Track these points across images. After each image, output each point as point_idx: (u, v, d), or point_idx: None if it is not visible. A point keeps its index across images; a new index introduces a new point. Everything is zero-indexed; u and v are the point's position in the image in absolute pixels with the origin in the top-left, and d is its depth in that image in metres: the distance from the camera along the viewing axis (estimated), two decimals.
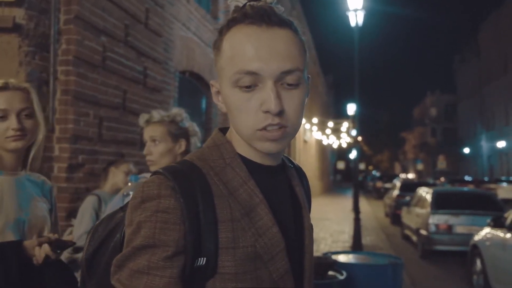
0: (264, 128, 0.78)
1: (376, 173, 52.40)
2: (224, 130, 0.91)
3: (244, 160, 0.85)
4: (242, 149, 0.86)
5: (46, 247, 1.42)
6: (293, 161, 1.02)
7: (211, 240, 0.76)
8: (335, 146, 31.05)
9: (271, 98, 0.76)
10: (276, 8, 0.82)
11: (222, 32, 0.83)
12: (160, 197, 0.75)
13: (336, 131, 25.23)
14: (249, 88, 0.78)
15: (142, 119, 1.99)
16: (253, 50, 0.77)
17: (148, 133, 1.95)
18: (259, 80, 0.78)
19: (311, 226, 0.94)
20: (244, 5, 0.82)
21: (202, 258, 0.75)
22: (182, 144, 1.97)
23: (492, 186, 14.20)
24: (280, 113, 0.78)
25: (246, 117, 0.79)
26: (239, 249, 0.77)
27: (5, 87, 1.51)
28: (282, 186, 0.89)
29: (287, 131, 0.80)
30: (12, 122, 1.50)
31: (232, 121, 0.84)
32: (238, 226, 0.78)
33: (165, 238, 0.73)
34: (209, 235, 0.76)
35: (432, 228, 8.14)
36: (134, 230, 0.75)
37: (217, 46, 0.84)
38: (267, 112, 0.77)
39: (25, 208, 1.52)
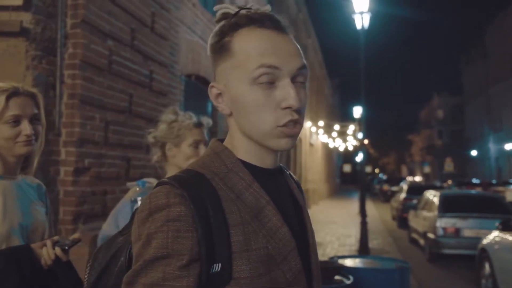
0: (285, 125, 0.80)
1: (382, 176, 52.16)
2: (220, 140, 0.92)
3: (245, 164, 0.86)
4: (243, 154, 0.86)
5: (57, 249, 1.44)
6: (286, 168, 1.04)
7: (224, 245, 0.75)
8: (341, 149, 30.97)
9: (292, 94, 0.79)
10: (280, 17, 0.86)
11: (224, 35, 0.84)
12: (170, 206, 0.74)
13: (342, 134, 25.18)
14: (269, 85, 0.80)
15: (190, 119, 1.96)
16: (272, 47, 0.81)
17: (199, 135, 1.95)
18: (277, 76, 0.80)
19: (312, 228, 0.96)
20: (237, 12, 0.84)
21: (217, 264, 0.74)
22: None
23: (500, 188, 14.06)
24: (298, 109, 0.81)
25: (265, 114, 0.80)
26: (253, 251, 0.77)
27: (17, 93, 1.51)
28: (282, 188, 0.91)
29: (301, 126, 0.84)
30: (25, 127, 1.50)
31: (244, 121, 0.83)
32: (249, 229, 0.78)
33: (179, 247, 0.72)
34: (222, 240, 0.75)
35: (440, 232, 8.08)
36: (144, 243, 0.73)
37: (223, 48, 0.84)
38: (287, 108, 0.80)
39: (26, 212, 1.53)
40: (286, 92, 0.80)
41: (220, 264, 0.74)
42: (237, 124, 0.86)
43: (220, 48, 0.84)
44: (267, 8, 0.87)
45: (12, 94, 1.50)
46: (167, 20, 5.18)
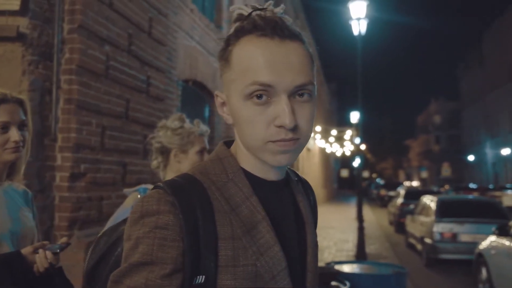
0: (276, 142, 0.77)
1: (379, 181, 52.21)
2: (229, 143, 0.89)
3: (248, 175, 0.83)
4: (247, 164, 0.84)
5: (48, 253, 1.43)
6: (299, 174, 1.00)
7: (210, 257, 0.74)
8: (338, 154, 30.99)
9: (286, 113, 0.75)
10: (286, 19, 0.80)
11: (229, 42, 0.81)
12: (159, 213, 0.73)
13: (340, 139, 25.20)
14: (262, 99, 0.76)
15: (198, 127, 1.99)
16: (267, 63, 0.76)
17: (204, 143, 1.99)
18: (272, 93, 0.76)
19: (316, 243, 0.91)
20: (250, 14, 0.79)
21: (201, 276, 0.73)
22: None
23: (497, 193, 14.09)
24: (294, 128, 0.76)
25: (256, 130, 0.77)
26: (240, 267, 0.75)
27: (5, 100, 1.52)
28: (285, 202, 0.87)
29: (300, 142, 0.79)
30: (14, 134, 1.51)
31: (240, 134, 0.81)
32: (239, 244, 0.76)
33: (164, 255, 0.71)
34: (209, 253, 0.74)
35: (437, 237, 8.09)
36: (132, 246, 0.73)
37: (225, 57, 0.81)
38: (280, 127, 0.75)
39: (15, 218, 1.53)
40: (281, 110, 0.75)
41: (204, 276, 0.73)
42: (237, 135, 0.84)
43: (223, 57, 0.82)
44: (279, 9, 0.81)
45: (1, 101, 1.51)
46: (164, 25, 5.19)
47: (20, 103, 1.57)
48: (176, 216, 0.73)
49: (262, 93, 0.76)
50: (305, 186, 0.99)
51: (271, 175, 0.84)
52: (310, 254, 0.88)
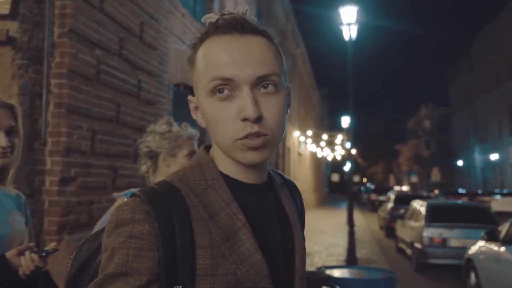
0: (244, 137, 0.75)
1: (370, 185, 52.45)
2: (209, 148, 0.88)
3: (227, 179, 0.81)
4: (225, 167, 0.82)
5: (34, 255, 1.41)
6: (284, 176, 0.98)
7: (187, 267, 0.72)
8: (329, 158, 31.11)
9: (248, 104, 0.73)
10: (249, 18, 0.80)
11: (195, 46, 0.82)
12: (134, 222, 0.71)
13: (331, 144, 25.31)
14: (223, 93, 0.75)
15: (186, 130, 1.98)
16: (227, 57, 0.75)
17: (192, 146, 1.99)
18: (234, 87, 0.75)
19: (304, 247, 0.89)
20: (217, 19, 0.80)
21: (178, 286, 0.71)
22: None
23: (486, 198, 14.23)
24: (259, 120, 0.74)
25: (224, 127, 0.76)
26: (219, 276, 0.73)
27: None
28: (269, 206, 0.85)
29: (268, 139, 0.76)
30: (1, 139, 1.50)
31: (212, 135, 0.80)
32: (217, 252, 0.74)
33: (139, 266, 0.70)
34: (186, 262, 0.72)
35: (426, 241, 8.14)
36: (108, 256, 0.72)
37: (191, 60, 0.82)
38: (245, 120, 0.74)
39: (4, 222, 1.52)
40: (243, 102, 0.74)
41: (181, 286, 0.71)
42: (211, 138, 0.83)
43: (191, 61, 0.83)
44: (242, 10, 0.82)
45: None
46: (156, 29, 5.19)
47: (10, 108, 1.56)
48: (151, 225, 0.71)
49: (223, 87, 0.75)
50: (291, 188, 0.97)
51: (251, 178, 0.82)
52: (298, 259, 0.86)
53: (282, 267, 0.82)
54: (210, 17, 0.82)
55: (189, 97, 0.86)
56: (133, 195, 0.76)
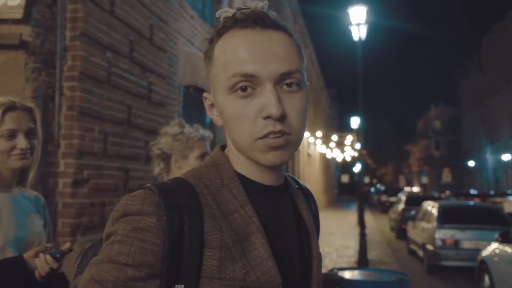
0: (265, 137, 0.71)
1: (380, 187, 52.13)
2: (225, 147, 0.85)
3: (244, 180, 0.77)
4: (241, 167, 0.78)
5: (48, 257, 1.42)
6: (299, 182, 0.94)
7: (193, 266, 0.68)
8: (339, 159, 30.98)
9: (272, 102, 0.69)
10: (269, 12, 0.77)
11: (212, 41, 0.78)
12: (143, 214, 0.68)
13: (340, 145, 25.19)
14: (246, 91, 0.71)
15: (198, 132, 1.99)
16: (249, 52, 0.71)
17: (204, 148, 1.99)
18: (256, 84, 0.71)
19: (320, 254, 0.85)
20: (234, 13, 0.77)
21: (180, 286, 0.68)
22: None
23: (498, 199, 14.05)
24: (282, 118, 0.71)
25: (244, 126, 0.72)
26: (226, 280, 0.69)
27: (13, 107, 1.54)
28: (286, 209, 0.81)
29: (290, 138, 0.72)
30: (21, 141, 1.53)
31: (229, 134, 0.76)
32: (227, 254, 0.70)
33: (141, 259, 0.66)
34: (192, 261, 0.68)
35: (439, 243, 8.06)
36: (109, 242, 0.69)
37: (208, 55, 0.79)
38: (267, 118, 0.70)
39: (22, 224, 1.53)
40: (266, 99, 0.70)
41: (183, 286, 0.68)
42: (228, 137, 0.79)
43: (207, 56, 0.79)
44: (261, 4, 0.78)
45: (9, 108, 1.52)
46: (165, 32, 5.21)
47: (29, 111, 1.58)
48: (159, 218, 0.68)
49: (245, 85, 0.71)
50: (306, 194, 0.94)
51: (268, 179, 0.79)
52: (316, 266, 0.82)
53: (298, 274, 0.78)
54: (226, 11, 0.78)
55: (205, 94, 0.83)
56: (144, 187, 0.73)
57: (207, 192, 0.74)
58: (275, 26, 0.75)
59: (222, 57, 0.75)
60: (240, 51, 0.72)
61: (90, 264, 0.71)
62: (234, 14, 0.77)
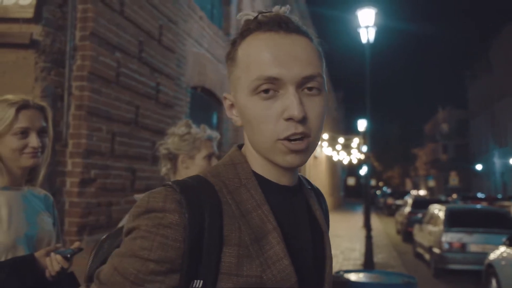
0: (287, 138, 0.73)
1: (386, 189, 51.91)
2: (242, 146, 0.86)
3: (260, 180, 0.80)
4: (259, 167, 0.81)
5: (58, 256, 1.43)
6: (311, 182, 0.97)
7: (212, 263, 0.70)
8: (345, 162, 30.88)
9: (294, 104, 0.72)
10: (291, 16, 0.79)
11: (235, 42, 0.80)
12: (165, 211, 0.70)
13: (347, 147, 25.12)
14: (269, 93, 0.74)
15: (205, 132, 1.99)
16: (272, 55, 0.74)
17: (211, 148, 1.99)
18: (279, 86, 0.73)
19: (331, 254, 0.88)
20: (256, 16, 0.79)
21: (199, 281, 0.70)
22: None
23: (506, 203, 13.94)
24: (304, 121, 0.73)
25: (265, 127, 0.74)
26: (243, 277, 0.71)
27: (26, 105, 1.55)
28: (300, 209, 0.83)
29: (310, 141, 0.75)
30: (33, 140, 1.53)
31: (249, 134, 0.79)
32: (245, 252, 0.72)
33: (162, 254, 0.69)
34: (211, 257, 0.70)
35: (445, 246, 8.00)
36: (132, 237, 0.72)
37: (231, 56, 0.80)
38: (289, 119, 0.72)
39: (32, 222, 1.55)
40: (289, 101, 0.72)
41: (202, 281, 0.70)
42: (247, 137, 0.81)
43: (230, 57, 0.81)
44: (284, 9, 0.80)
45: (22, 106, 1.53)
46: (174, 33, 5.23)
47: (41, 109, 1.60)
48: (181, 216, 0.70)
49: (269, 87, 0.73)
50: (318, 194, 0.96)
51: (283, 179, 0.81)
52: (329, 265, 0.85)
53: (312, 273, 0.80)
54: (247, 14, 0.81)
55: (225, 95, 0.84)
56: (164, 185, 0.75)
57: (226, 191, 0.76)
58: (298, 30, 0.78)
59: (246, 59, 0.76)
60: (264, 54, 0.74)
61: (112, 256, 0.73)
62: (256, 17, 0.79)
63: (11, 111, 1.50)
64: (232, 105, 0.83)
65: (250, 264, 0.71)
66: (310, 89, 0.75)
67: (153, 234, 0.69)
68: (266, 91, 0.74)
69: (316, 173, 22.45)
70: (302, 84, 0.75)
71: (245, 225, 0.73)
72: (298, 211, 0.82)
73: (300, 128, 0.73)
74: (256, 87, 0.74)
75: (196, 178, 0.78)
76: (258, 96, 0.74)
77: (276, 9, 0.80)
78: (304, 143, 0.74)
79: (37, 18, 3.32)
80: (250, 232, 0.73)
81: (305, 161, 0.77)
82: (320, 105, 0.77)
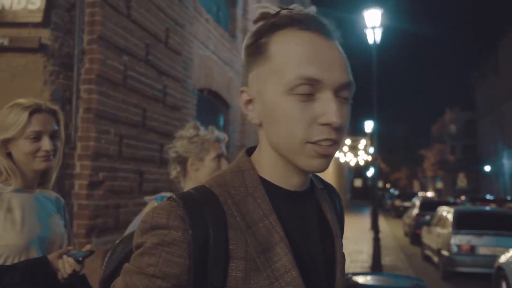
0: (317, 142, 0.71)
1: (393, 191, 51.66)
2: (251, 150, 0.83)
3: (268, 186, 0.77)
4: (269, 172, 0.78)
5: (70, 259, 1.44)
6: (324, 180, 0.94)
7: (218, 277, 0.70)
8: (352, 163, 30.80)
9: (333, 110, 0.70)
10: (327, 20, 0.77)
11: (261, 35, 0.75)
12: (169, 228, 0.70)
13: (354, 148, 25.06)
14: (308, 96, 0.71)
15: (213, 133, 2.00)
16: (315, 56, 0.71)
17: (220, 149, 1.99)
18: (317, 89, 0.71)
19: (343, 256, 0.86)
20: (278, 12, 0.75)
21: None
22: None
23: None
24: (339, 128, 0.72)
25: (296, 128, 0.71)
26: None
27: (39, 109, 1.56)
28: (310, 215, 0.81)
29: (337, 147, 0.74)
30: (45, 143, 1.55)
31: (273, 133, 0.75)
32: (251, 265, 0.70)
33: (168, 271, 0.69)
34: (217, 272, 0.70)
35: (454, 249, 7.94)
36: (139, 253, 0.73)
37: (258, 50, 0.75)
38: (326, 124, 0.70)
39: (45, 224, 1.56)
40: (327, 106, 0.70)
41: None
42: (267, 136, 0.77)
43: (256, 50, 0.76)
44: (312, 9, 0.77)
45: (35, 110, 1.55)
46: (180, 35, 5.25)
47: (53, 113, 1.61)
48: (185, 232, 0.70)
49: (307, 89, 0.71)
50: (331, 192, 0.93)
51: (294, 184, 0.78)
52: (339, 270, 0.82)
53: (322, 280, 0.79)
54: (266, 7, 0.77)
55: (243, 88, 0.80)
56: (169, 198, 0.74)
57: (231, 202, 0.74)
58: (330, 35, 0.75)
59: (283, 55, 0.73)
60: (307, 53, 0.72)
61: (123, 272, 0.74)
62: (286, 12, 0.76)
63: (24, 115, 1.52)
64: (250, 101, 0.78)
65: (258, 277, 0.70)
66: (344, 97, 0.74)
67: (159, 250, 0.70)
68: (306, 94, 0.71)
69: (323, 175, 22.19)
70: (338, 90, 0.73)
71: (251, 237, 0.72)
72: (308, 216, 0.80)
73: (334, 134, 0.71)
74: (294, 86, 0.71)
75: (201, 189, 0.76)
76: (295, 96, 0.71)
77: (299, 8, 0.77)
78: (334, 148, 0.73)
79: (45, 22, 3.35)
80: (257, 245, 0.71)
81: (327, 167, 0.75)
82: (348, 114, 0.75)
